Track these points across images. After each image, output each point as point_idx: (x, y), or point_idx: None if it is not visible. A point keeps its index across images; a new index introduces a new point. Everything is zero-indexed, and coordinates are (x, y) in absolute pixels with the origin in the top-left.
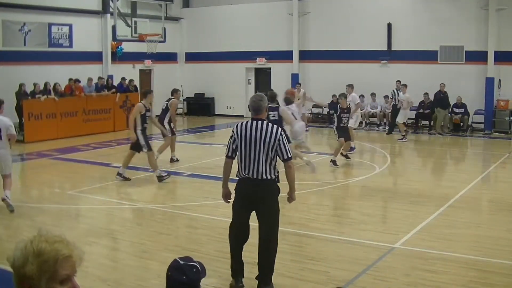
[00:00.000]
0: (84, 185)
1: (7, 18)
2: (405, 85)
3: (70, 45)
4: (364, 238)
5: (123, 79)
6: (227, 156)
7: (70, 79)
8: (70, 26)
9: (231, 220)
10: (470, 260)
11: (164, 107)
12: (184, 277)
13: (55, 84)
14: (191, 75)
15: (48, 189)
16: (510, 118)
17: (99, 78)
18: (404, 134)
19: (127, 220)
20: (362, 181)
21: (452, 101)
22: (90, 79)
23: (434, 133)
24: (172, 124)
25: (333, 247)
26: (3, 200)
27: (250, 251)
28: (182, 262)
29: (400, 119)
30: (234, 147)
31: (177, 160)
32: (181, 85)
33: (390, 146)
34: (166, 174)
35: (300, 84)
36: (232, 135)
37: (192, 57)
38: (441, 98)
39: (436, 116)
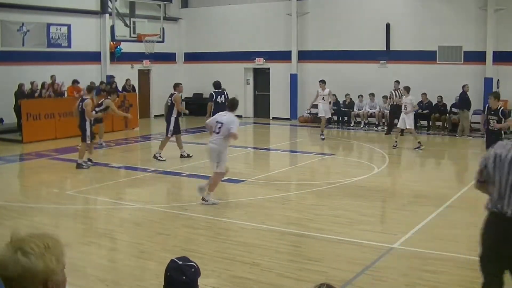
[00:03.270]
0: (82, 185)
1: (6, 18)
2: (407, 88)
3: (69, 45)
4: (362, 239)
5: (111, 76)
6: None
7: (52, 76)
8: (69, 26)
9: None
10: (469, 260)
11: (169, 104)
12: (184, 277)
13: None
14: (189, 75)
15: (46, 189)
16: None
17: (101, 82)
18: (419, 141)
19: (126, 220)
20: (360, 181)
21: (450, 101)
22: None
23: (459, 135)
24: (179, 120)
25: (332, 247)
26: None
27: (250, 251)
28: (180, 262)
29: (409, 124)
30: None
31: (188, 155)
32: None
33: (388, 146)
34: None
35: (324, 81)
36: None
37: (191, 57)
38: (467, 99)
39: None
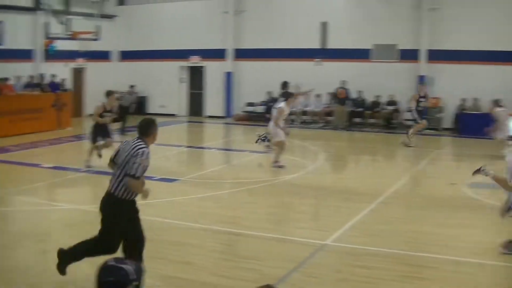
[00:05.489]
0: (11, 186)
1: None
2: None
3: (1, 43)
4: (296, 236)
5: (52, 76)
6: None
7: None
8: (1, 23)
9: None
10: (401, 255)
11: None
12: (111, 278)
13: None
14: (125, 73)
15: None
16: (440, 115)
17: (30, 76)
18: None
19: (57, 221)
20: (294, 178)
21: (385, 98)
22: (18, 77)
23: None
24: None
25: (265, 245)
26: None
27: (183, 251)
28: (110, 263)
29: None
30: None
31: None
32: (114, 83)
33: (322, 144)
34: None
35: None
36: None
37: (127, 56)
38: None
39: None
